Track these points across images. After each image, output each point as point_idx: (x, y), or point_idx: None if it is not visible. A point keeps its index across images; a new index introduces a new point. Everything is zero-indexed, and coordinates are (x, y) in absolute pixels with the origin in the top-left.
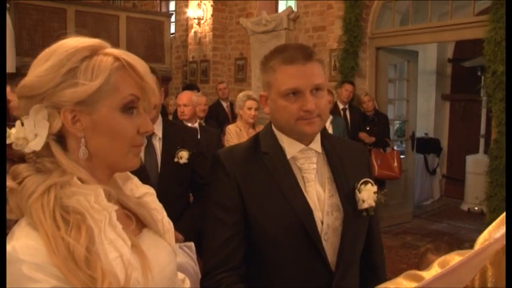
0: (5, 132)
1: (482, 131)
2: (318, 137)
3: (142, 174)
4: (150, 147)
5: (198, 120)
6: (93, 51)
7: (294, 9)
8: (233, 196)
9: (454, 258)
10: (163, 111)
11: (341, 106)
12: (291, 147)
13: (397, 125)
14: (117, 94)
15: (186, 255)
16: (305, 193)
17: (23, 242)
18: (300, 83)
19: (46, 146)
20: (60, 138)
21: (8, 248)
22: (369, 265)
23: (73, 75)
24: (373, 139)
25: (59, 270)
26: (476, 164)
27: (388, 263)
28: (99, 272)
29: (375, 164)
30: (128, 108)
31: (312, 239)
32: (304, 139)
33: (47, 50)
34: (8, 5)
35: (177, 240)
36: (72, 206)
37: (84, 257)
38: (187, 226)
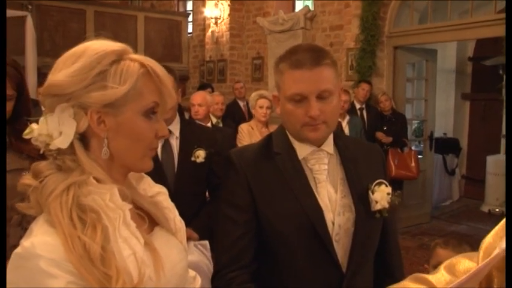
0: (5, 132)
1: (504, 131)
2: (331, 138)
3: (159, 173)
4: (167, 146)
5: (215, 120)
6: (120, 56)
7: (311, 8)
8: (243, 195)
9: (460, 261)
10: (180, 111)
11: (358, 106)
12: (302, 148)
13: (415, 125)
14: (141, 99)
15: (201, 253)
16: (316, 194)
17: (40, 239)
18: (304, 88)
19: (70, 144)
20: (82, 137)
21: (27, 243)
22: (386, 267)
23: (102, 78)
24: (390, 139)
25: (73, 266)
26: (497, 165)
27: (405, 264)
28: (113, 270)
29: (392, 164)
30: (150, 113)
31: (322, 239)
32: (312, 143)
33: (73, 52)
34: (29, 7)
35: (192, 239)
36: (88, 204)
37: (100, 255)
38: (202, 225)
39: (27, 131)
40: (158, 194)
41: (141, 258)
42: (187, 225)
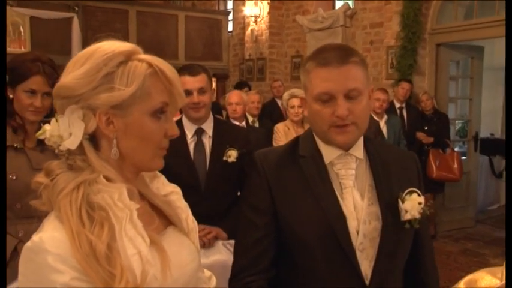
0: (5, 132)
1: None
2: (361, 142)
3: (191, 171)
4: (199, 144)
5: (251, 119)
6: (128, 57)
7: (350, 5)
8: (264, 198)
9: (483, 277)
10: (219, 109)
11: (397, 105)
12: (328, 152)
13: (459, 125)
14: (149, 100)
15: (229, 252)
16: (340, 200)
17: (49, 234)
18: (331, 87)
19: (79, 144)
20: (92, 137)
21: (36, 238)
22: (419, 285)
23: (109, 80)
24: (431, 139)
25: (79, 265)
26: None
27: (445, 270)
28: (118, 268)
29: (433, 165)
30: (158, 113)
31: (343, 247)
32: (340, 147)
33: (83, 53)
34: (76, 8)
35: (221, 238)
36: (97, 202)
37: (105, 254)
38: (232, 224)
39: (40, 132)
40: (171, 193)
41: (145, 257)
42: (216, 224)
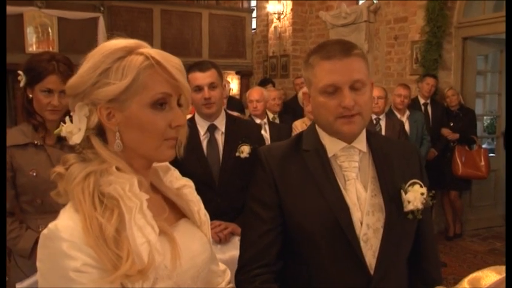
0: (5, 132)
1: None
2: (363, 135)
3: (205, 167)
4: (212, 141)
5: (271, 115)
6: (128, 52)
7: (374, 0)
8: (269, 191)
9: (488, 275)
10: (241, 106)
11: (422, 101)
12: (332, 145)
13: (488, 121)
14: (146, 92)
15: None
16: (344, 192)
17: (64, 222)
18: (337, 78)
19: (88, 139)
20: (100, 132)
21: (52, 226)
22: (422, 274)
23: (106, 76)
24: (457, 135)
25: (91, 248)
26: None
27: (473, 269)
28: (125, 251)
29: (459, 162)
30: (159, 104)
31: (348, 238)
32: (346, 138)
33: (91, 53)
34: (101, 8)
35: (237, 234)
36: (109, 193)
37: (113, 237)
38: None
39: (57, 130)
40: (184, 186)
41: (154, 245)
42: (232, 220)
